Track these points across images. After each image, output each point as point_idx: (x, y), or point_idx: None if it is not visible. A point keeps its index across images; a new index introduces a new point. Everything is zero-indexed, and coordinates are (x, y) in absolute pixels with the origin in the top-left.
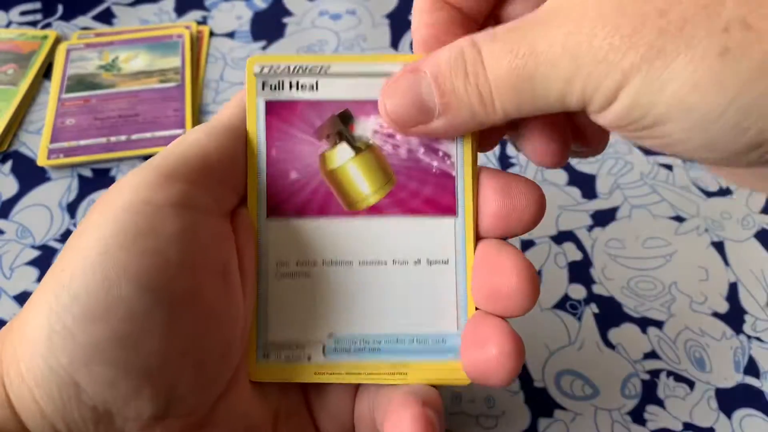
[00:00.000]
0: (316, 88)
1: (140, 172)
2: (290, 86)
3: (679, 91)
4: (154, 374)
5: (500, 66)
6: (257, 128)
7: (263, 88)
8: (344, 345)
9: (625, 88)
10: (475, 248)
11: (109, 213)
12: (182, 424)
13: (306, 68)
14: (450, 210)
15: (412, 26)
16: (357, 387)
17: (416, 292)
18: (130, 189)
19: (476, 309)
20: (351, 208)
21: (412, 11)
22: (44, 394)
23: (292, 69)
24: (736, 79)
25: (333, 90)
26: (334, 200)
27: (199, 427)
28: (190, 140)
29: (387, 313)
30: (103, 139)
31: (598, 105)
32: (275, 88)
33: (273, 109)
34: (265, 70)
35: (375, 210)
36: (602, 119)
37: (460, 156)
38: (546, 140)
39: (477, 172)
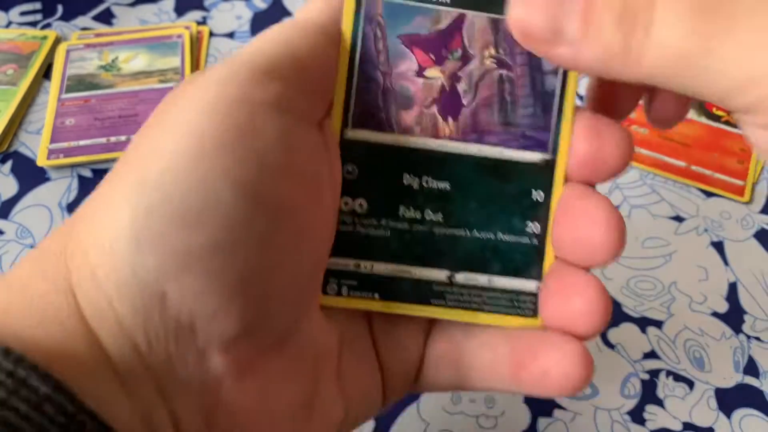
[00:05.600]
0: None
1: (228, 67)
2: None
3: None
4: (247, 288)
5: (671, 38)
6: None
7: None
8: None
9: None
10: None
11: (199, 106)
12: (262, 344)
13: None
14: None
15: None
16: (431, 325)
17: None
18: (220, 83)
19: (555, 258)
20: None
21: None
22: (126, 302)
23: None
24: None
25: None
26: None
27: (273, 350)
28: (281, 39)
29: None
30: (103, 139)
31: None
32: None
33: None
34: None
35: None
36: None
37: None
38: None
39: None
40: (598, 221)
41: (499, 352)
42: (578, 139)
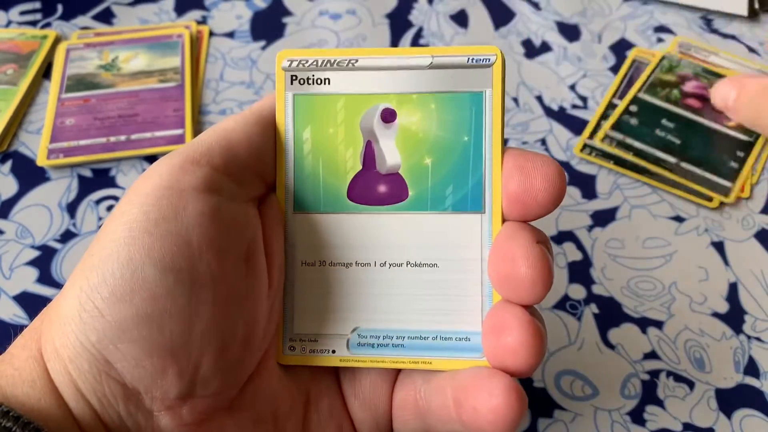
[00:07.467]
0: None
1: (168, 159)
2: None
3: None
4: (178, 354)
5: None
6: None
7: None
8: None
9: None
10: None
11: (135, 199)
12: (209, 405)
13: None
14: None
15: None
16: (396, 374)
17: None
18: (156, 175)
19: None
20: None
21: None
22: (77, 369)
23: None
24: None
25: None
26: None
27: (226, 410)
28: (220, 128)
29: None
30: (103, 139)
31: None
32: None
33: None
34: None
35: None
36: None
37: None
38: None
39: (502, 162)
40: (519, 260)
41: (447, 395)
42: (507, 180)
